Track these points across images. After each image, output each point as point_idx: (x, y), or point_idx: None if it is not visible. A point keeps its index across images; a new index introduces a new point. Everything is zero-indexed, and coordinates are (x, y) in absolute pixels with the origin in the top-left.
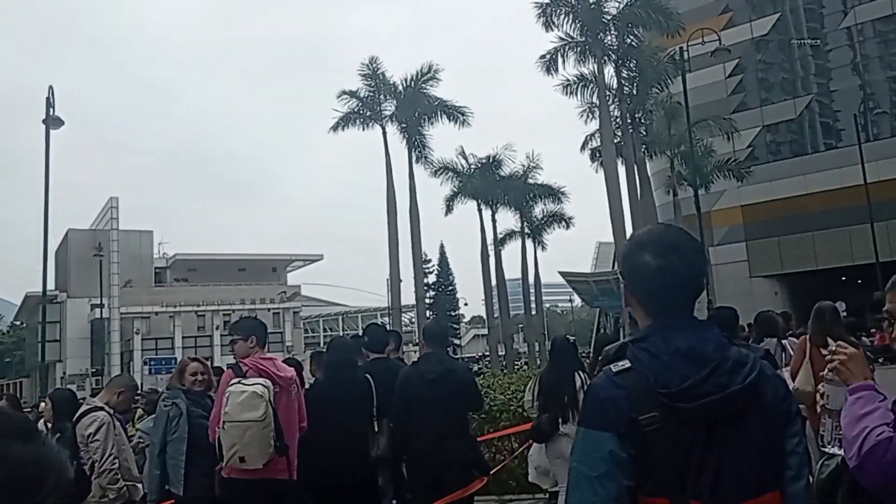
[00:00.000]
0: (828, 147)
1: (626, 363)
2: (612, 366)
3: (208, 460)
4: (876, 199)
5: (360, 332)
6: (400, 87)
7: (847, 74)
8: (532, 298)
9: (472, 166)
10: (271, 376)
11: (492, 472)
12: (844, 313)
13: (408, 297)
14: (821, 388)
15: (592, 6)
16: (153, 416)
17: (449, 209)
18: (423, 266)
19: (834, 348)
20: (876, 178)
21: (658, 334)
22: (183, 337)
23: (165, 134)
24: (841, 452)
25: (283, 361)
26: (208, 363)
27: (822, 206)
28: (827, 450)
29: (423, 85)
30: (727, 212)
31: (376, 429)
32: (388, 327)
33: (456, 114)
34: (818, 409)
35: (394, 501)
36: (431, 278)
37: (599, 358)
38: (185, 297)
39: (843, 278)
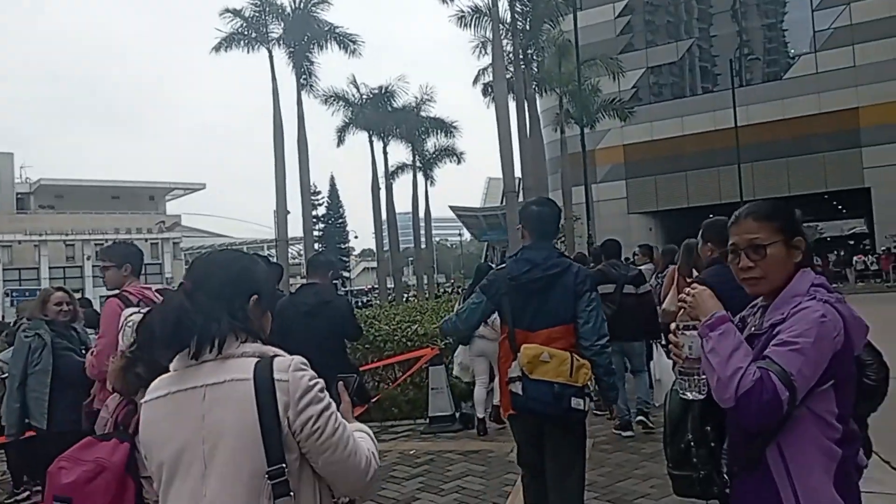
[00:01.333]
0: (705, 90)
1: (503, 265)
2: (497, 267)
3: (75, 394)
4: (745, 141)
5: None
6: (288, 9)
7: (727, 20)
8: (422, 232)
9: (365, 97)
10: (151, 304)
11: (374, 400)
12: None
13: (296, 229)
14: (676, 338)
15: None
16: (13, 347)
17: (340, 140)
18: (313, 198)
19: (683, 295)
20: (746, 122)
21: (522, 252)
22: (50, 267)
23: (30, 54)
24: (701, 396)
25: (159, 292)
26: (75, 295)
27: (696, 148)
28: (687, 396)
29: (312, 8)
30: (610, 150)
31: None
32: (273, 259)
33: (347, 41)
34: (682, 361)
35: None
36: (321, 210)
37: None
38: (52, 225)
39: (711, 216)
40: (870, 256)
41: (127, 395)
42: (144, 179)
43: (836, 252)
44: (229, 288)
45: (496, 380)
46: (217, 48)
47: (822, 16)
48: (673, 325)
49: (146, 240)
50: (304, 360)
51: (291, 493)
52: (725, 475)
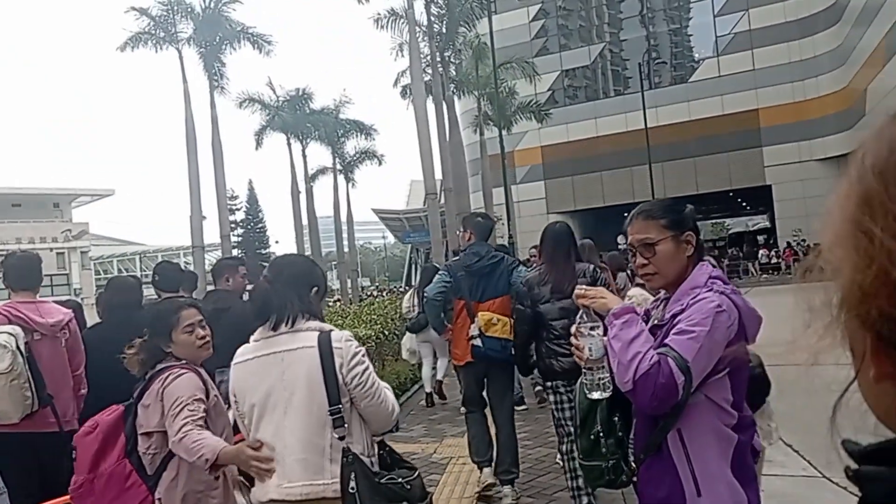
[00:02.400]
0: (617, 93)
1: (457, 258)
2: (452, 260)
3: None
4: (655, 142)
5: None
6: (198, 8)
7: (636, 25)
8: (345, 235)
9: (282, 99)
10: (26, 323)
11: None
12: (624, 245)
13: (213, 235)
14: (577, 341)
15: None
16: None
17: (258, 143)
18: (230, 202)
19: (580, 293)
20: (656, 124)
21: (470, 248)
22: None
23: None
24: (606, 395)
25: (61, 303)
26: None
27: (610, 148)
28: (593, 396)
29: (223, 7)
30: (528, 152)
31: None
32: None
33: (261, 41)
34: (584, 363)
35: None
36: (239, 215)
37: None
38: None
39: (625, 214)
40: (772, 251)
41: (136, 373)
42: (48, 186)
43: (743, 246)
44: (297, 280)
45: (439, 361)
46: (123, 47)
47: (724, 21)
48: (574, 328)
49: (51, 249)
50: (350, 334)
51: (346, 425)
52: (633, 463)
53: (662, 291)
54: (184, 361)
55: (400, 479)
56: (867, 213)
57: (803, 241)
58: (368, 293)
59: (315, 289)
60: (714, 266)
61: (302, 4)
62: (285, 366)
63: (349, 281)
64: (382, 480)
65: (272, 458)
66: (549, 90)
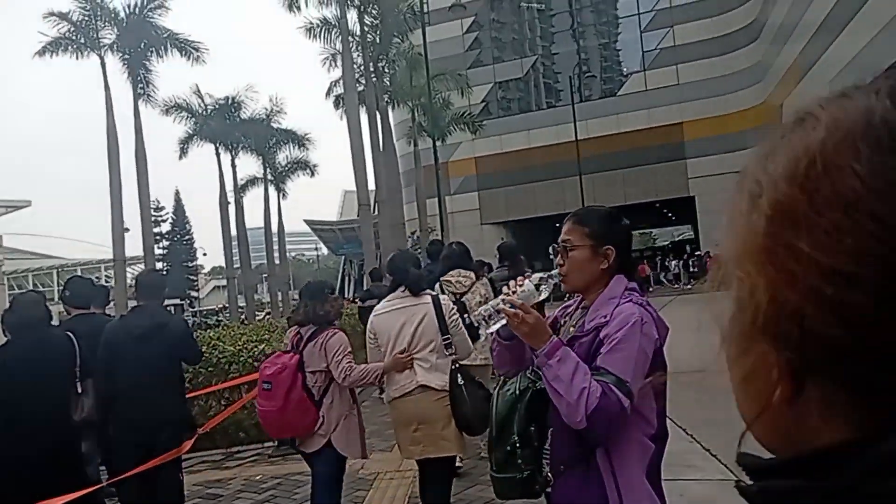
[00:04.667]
0: (549, 105)
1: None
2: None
3: None
4: (586, 154)
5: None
6: (122, 14)
7: (567, 39)
8: (276, 247)
9: (210, 107)
10: None
11: (217, 424)
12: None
13: (137, 248)
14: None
15: None
16: None
17: (183, 152)
18: (156, 214)
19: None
20: (586, 136)
21: (433, 266)
22: None
23: None
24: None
25: None
26: None
27: (542, 160)
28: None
29: (148, 13)
30: (462, 163)
31: (80, 390)
32: (104, 282)
33: (189, 48)
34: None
35: (101, 467)
36: (165, 227)
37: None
38: None
39: (558, 224)
40: (691, 261)
41: (298, 327)
42: None
43: (670, 256)
44: (415, 267)
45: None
46: (41, 53)
47: (650, 37)
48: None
49: None
50: (447, 297)
51: (454, 347)
52: (548, 474)
53: (575, 299)
54: (336, 324)
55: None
56: (787, 226)
57: None
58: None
59: (423, 273)
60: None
61: (235, 13)
62: (412, 312)
63: (280, 294)
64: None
65: (411, 359)
66: (482, 102)
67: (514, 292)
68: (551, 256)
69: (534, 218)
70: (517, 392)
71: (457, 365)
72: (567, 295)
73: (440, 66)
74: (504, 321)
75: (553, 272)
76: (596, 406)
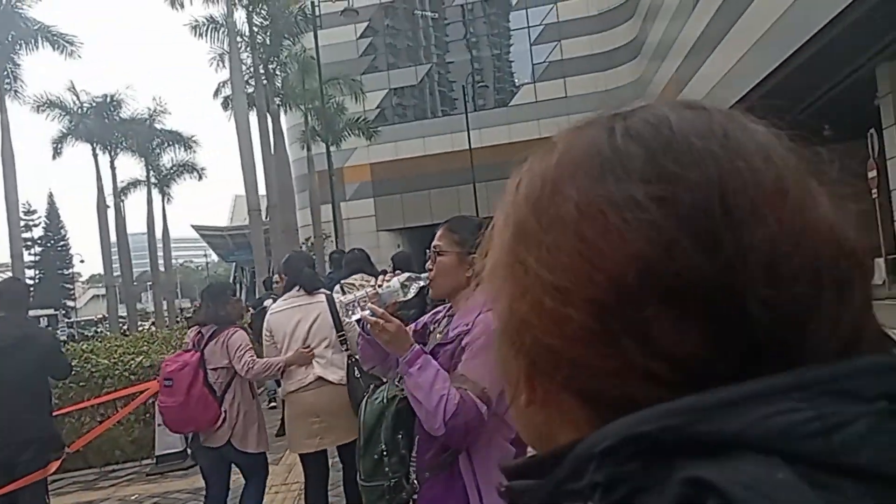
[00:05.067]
0: (444, 113)
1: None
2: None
3: None
4: (479, 162)
5: None
6: None
7: (462, 48)
8: (160, 254)
9: (86, 105)
10: None
11: (89, 441)
12: None
13: (4, 254)
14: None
15: None
16: None
17: (57, 152)
18: (26, 218)
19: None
20: (479, 144)
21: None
22: None
23: None
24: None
25: None
26: None
27: (438, 167)
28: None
29: (17, 3)
30: (357, 169)
31: None
32: None
33: (62, 42)
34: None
35: None
36: (37, 232)
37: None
38: None
39: None
40: None
41: (199, 327)
42: None
43: None
44: (309, 267)
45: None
46: None
47: (539, 50)
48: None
49: None
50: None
51: (349, 343)
52: (414, 481)
53: (444, 306)
54: (236, 323)
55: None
56: (522, 243)
57: None
58: (188, 315)
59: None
60: None
61: (116, 6)
62: (307, 310)
63: (165, 302)
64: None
65: (312, 354)
66: (377, 107)
67: (380, 286)
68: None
69: (430, 225)
70: (385, 400)
71: (353, 359)
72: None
73: (334, 71)
74: (363, 313)
75: (423, 275)
76: (454, 413)
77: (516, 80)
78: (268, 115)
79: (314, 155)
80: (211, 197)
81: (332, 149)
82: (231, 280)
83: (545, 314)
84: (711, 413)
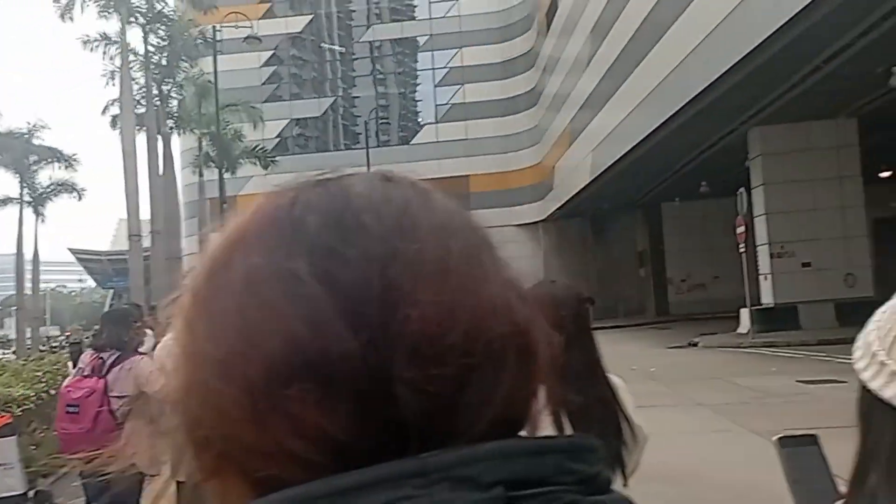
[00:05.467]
0: (346, 147)
1: None
2: None
3: None
4: None
5: None
6: None
7: (369, 84)
8: (29, 277)
9: None
10: None
11: None
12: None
13: None
14: None
15: None
16: None
17: None
18: None
19: None
20: None
21: None
22: None
23: None
24: None
25: None
26: None
27: None
28: None
29: None
30: (252, 198)
31: None
32: None
33: None
34: None
35: None
36: None
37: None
38: None
39: None
40: None
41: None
42: None
43: None
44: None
45: None
46: None
47: (443, 92)
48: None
49: None
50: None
51: None
52: None
53: None
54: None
55: None
56: (195, 309)
57: None
58: (56, 343)
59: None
60: None
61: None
62: None
63: (28, 330)
64: None
65: None
66: (277, 137)
67: None
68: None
69: None
70: None
71: None
72: None
73: (234, 97)
74: None
75: None
76: None
77: (420, 119)
78: (159, 136)
79: (206, 181)
80: (95, 219)
81: (227, 175)
82: (107, 308)
83: (203, 386)
84: (333, 499)
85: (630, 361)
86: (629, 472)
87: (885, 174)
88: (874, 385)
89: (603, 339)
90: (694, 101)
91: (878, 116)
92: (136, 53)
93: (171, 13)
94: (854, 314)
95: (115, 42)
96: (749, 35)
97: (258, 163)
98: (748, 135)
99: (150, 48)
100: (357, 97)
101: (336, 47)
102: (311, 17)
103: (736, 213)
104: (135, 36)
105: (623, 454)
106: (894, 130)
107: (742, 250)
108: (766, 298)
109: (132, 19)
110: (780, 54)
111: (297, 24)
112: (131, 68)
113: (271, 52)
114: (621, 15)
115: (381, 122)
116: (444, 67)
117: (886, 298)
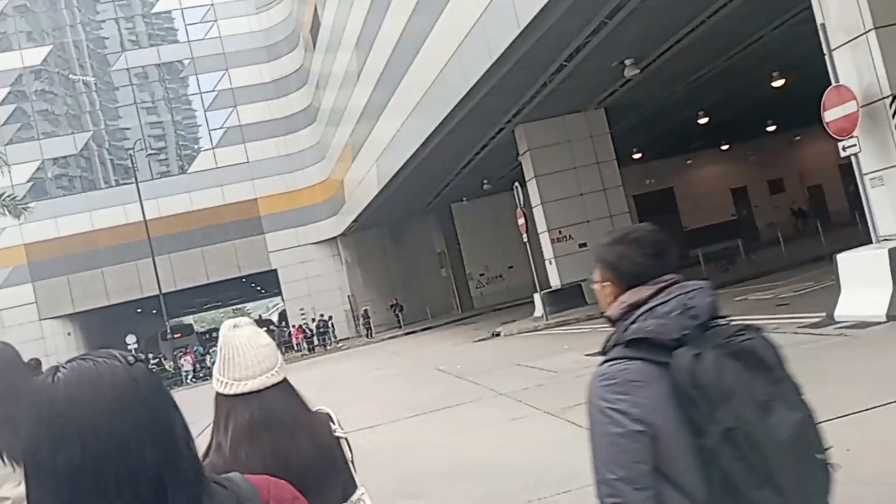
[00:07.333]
0: (117, 183)
1: None
2: None
3: None
4: (160, 233)
5: None
6: None
7: (135, 114)
8: None
9: None
10: None
11: None
12: (136, 345)
13: None
14: None
15: None
16: None
17: None
18: None
19: None
20: (158, 215)
21: None
22: None
23: None
24: None
25: None
26: None
27: (111, 242)
28: None
29: None
30: (8, 251)
31: None
32: None
33: None
34: None
35: None
36: None
37: None
38: None
39: (139, 310)
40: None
41: None
42: None
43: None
44: None
45: None
46: None
47: (215, 116)
48: None
49: None
50: None
51: None
52: None
53: None
54: None
55: None
56: None
57: (312, 318)
58: None
59: None
60: None
61: None
62: None
63: None
64: None
65: None
66: (29, 180)
67: None
68: (129, 345)
69: (106, 307)
70: None
71: None
72: None
73: None
74: None
75: None
76: None
77: (197, 146)
78: None
79: None
80: None
81: None
82: None
83: None
84: None
85: (438, 361)
86: None
87: (637, 156)
88: None
89: (416, 342)
90: (459, 105)
91: (621, 105)
92: None
93: None
94: None
95: None
96: (496, 42)
97: (7, 213)
98: (514, 133)
99: None
100: (127, 128)
101: (89, 78)
102: (50, 47)
103: (516, 205)
104: None
105: None
106: (636, 116)
107: (525, 240)
108: (554, 281)
109: None
110: (527, 56)
111: (35, 56)
112: None
113: (8, 90)
114: (381, 28)
115: (151, 152)
116: (213, 91)
117: None
